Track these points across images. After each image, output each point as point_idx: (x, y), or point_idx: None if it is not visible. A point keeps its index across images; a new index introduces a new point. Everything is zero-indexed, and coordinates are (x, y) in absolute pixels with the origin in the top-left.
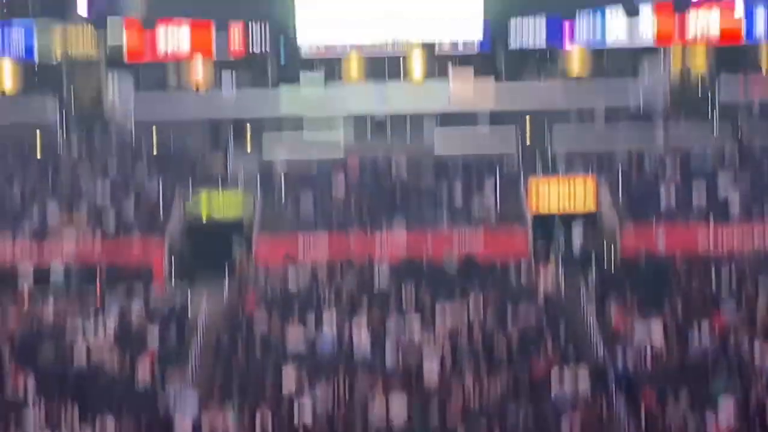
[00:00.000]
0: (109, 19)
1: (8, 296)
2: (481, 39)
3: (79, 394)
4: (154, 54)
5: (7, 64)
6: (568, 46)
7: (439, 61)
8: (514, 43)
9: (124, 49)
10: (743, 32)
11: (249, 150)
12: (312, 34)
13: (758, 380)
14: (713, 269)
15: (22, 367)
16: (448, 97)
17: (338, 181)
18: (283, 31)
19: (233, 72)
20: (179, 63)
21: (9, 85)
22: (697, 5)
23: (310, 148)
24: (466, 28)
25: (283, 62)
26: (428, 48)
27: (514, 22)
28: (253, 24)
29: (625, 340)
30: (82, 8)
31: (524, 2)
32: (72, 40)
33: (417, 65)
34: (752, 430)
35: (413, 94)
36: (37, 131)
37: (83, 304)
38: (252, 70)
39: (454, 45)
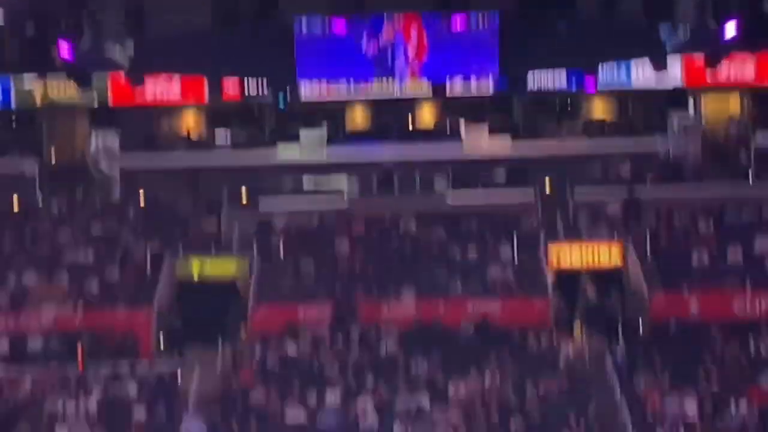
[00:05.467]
0: (94, 75)
1: None
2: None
3: None
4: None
5: None
6: (590, 91)
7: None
8: (532, 85)
9: (109, 99)
10: None
11: (245, 207)
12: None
13: None
14: (751, 337)
15: None
16: (461, 156)
17: (341, 242)
18: (281, 83)
19: (228, 124)
20: (169, 113)
21: None
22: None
23: (311, 203)
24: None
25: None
26: (439, 91)
27: (531, 75)
28: (249, 79)
29: (656, 417)
30: (63, 65)
31: (542, 58)
32: (53, 91)
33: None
34: None
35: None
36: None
37: (63, 379)
38: (248, 122)
39: (467, 87)
